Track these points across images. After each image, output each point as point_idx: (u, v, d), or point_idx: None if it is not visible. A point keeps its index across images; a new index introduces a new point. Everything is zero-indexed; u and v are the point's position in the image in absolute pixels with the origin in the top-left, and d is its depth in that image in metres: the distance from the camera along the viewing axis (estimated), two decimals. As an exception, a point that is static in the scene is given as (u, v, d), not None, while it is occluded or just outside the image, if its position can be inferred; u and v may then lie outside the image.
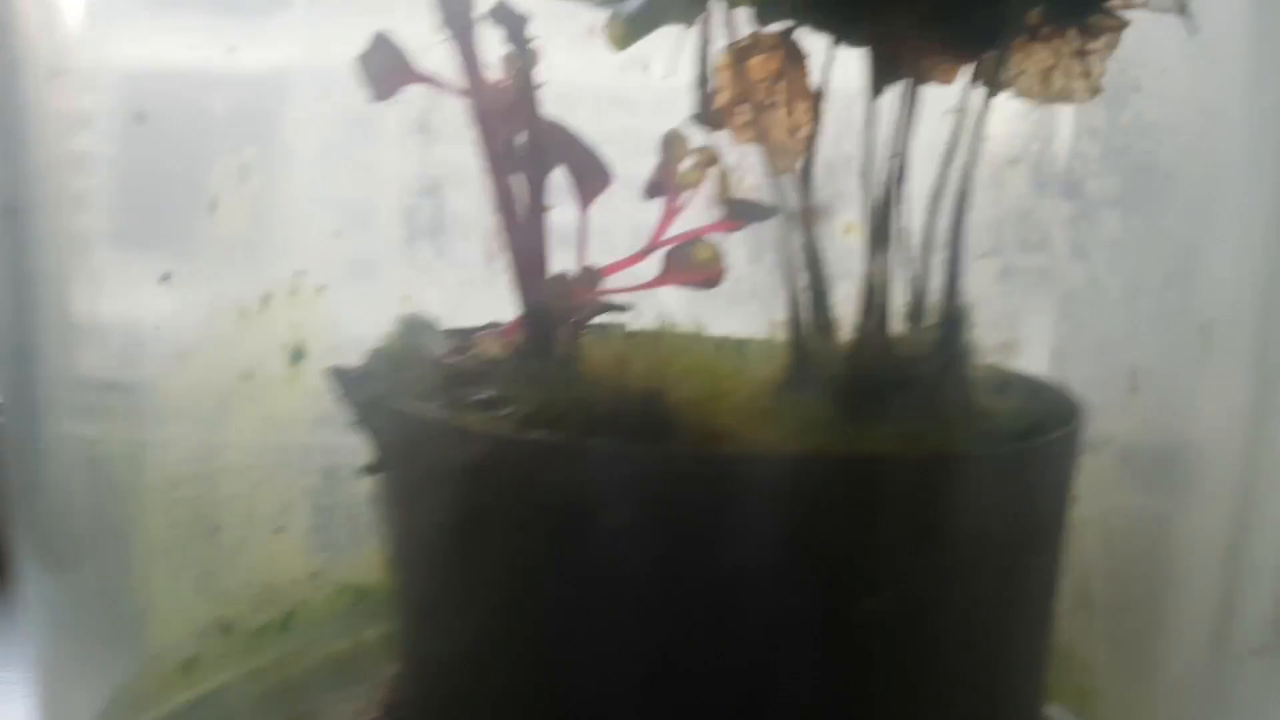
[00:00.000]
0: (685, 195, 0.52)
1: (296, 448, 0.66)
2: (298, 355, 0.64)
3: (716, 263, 0.53)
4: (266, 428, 0.63)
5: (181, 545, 0.60)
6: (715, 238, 0.53)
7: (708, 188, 0.52)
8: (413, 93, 0.47)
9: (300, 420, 0.63)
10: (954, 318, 0.45)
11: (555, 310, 0.46)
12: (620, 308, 0.49)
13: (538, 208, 0.46)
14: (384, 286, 0.68)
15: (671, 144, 0.52)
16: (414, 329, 0.49)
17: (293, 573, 0.66)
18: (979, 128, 0.43)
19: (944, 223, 0.44)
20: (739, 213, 0.51)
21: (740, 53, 0.49)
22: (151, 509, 0.59)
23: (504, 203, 0.47)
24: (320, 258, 0.64)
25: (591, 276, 0.47)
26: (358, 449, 0.50)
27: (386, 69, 0.47)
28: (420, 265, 0.67)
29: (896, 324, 0.46)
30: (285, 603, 0.65)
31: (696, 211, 0.54)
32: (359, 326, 0.60)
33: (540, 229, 0.46)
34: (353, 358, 0.54)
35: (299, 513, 0.66)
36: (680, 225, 0.53)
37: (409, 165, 0.65)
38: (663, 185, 0.52)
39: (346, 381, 0.47)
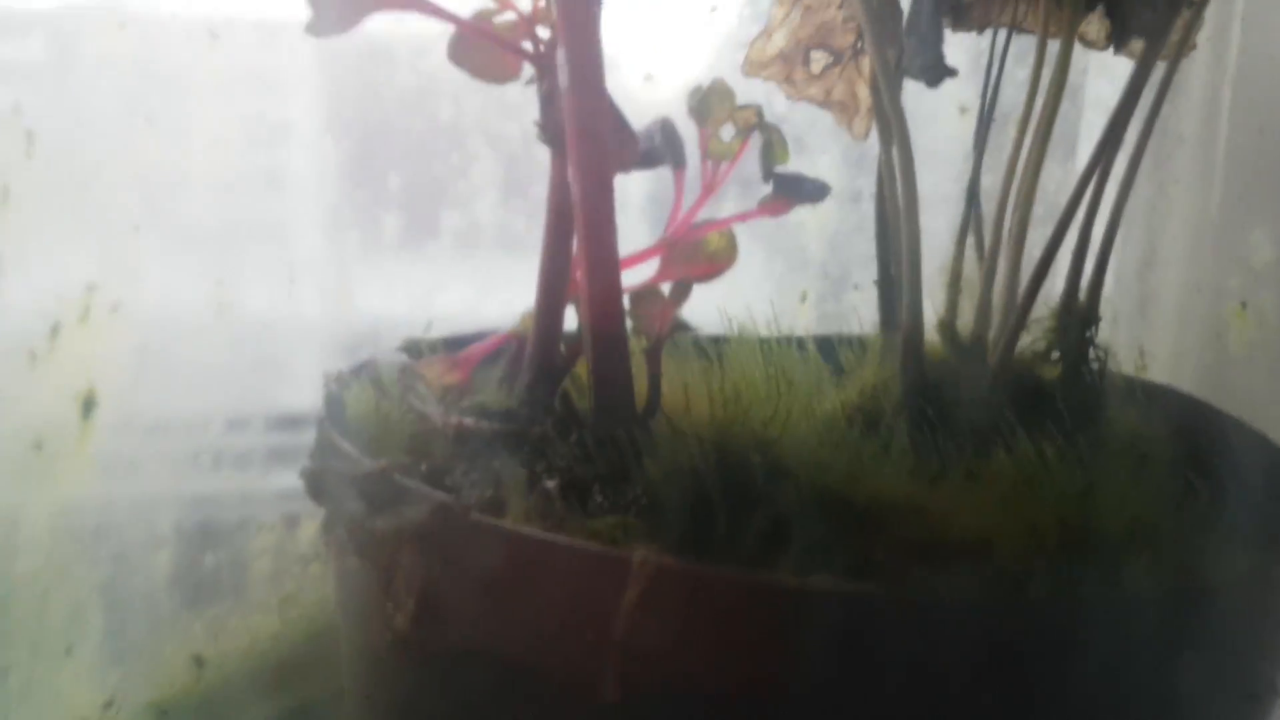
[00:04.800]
0: (722, 168, 0.41)
1: (88, 532, 0.47)
2: (89, 406, 0.45)
3: (730, 253, 0.42)
4: (59, 514, 0.44)
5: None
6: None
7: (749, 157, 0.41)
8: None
9: (92, 495, 0.45)
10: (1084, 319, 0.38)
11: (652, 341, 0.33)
12: (686, 327, 0.37)
13: (603, 199, 0.33)
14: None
15: (711, 101, 0.39)
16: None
17: (83, 709, 0.48)
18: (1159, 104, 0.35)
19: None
20: (790, 191, 0.41)
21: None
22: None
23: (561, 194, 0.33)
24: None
25: (681, 291, 0.34)
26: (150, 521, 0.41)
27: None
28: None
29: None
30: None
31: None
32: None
33: (611, 228, 0.33)
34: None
35: (91, 619, 0.48)
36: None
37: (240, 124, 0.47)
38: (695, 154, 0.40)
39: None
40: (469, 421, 0.32)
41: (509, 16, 0.35)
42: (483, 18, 0.36)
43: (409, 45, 0.53)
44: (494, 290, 0.55)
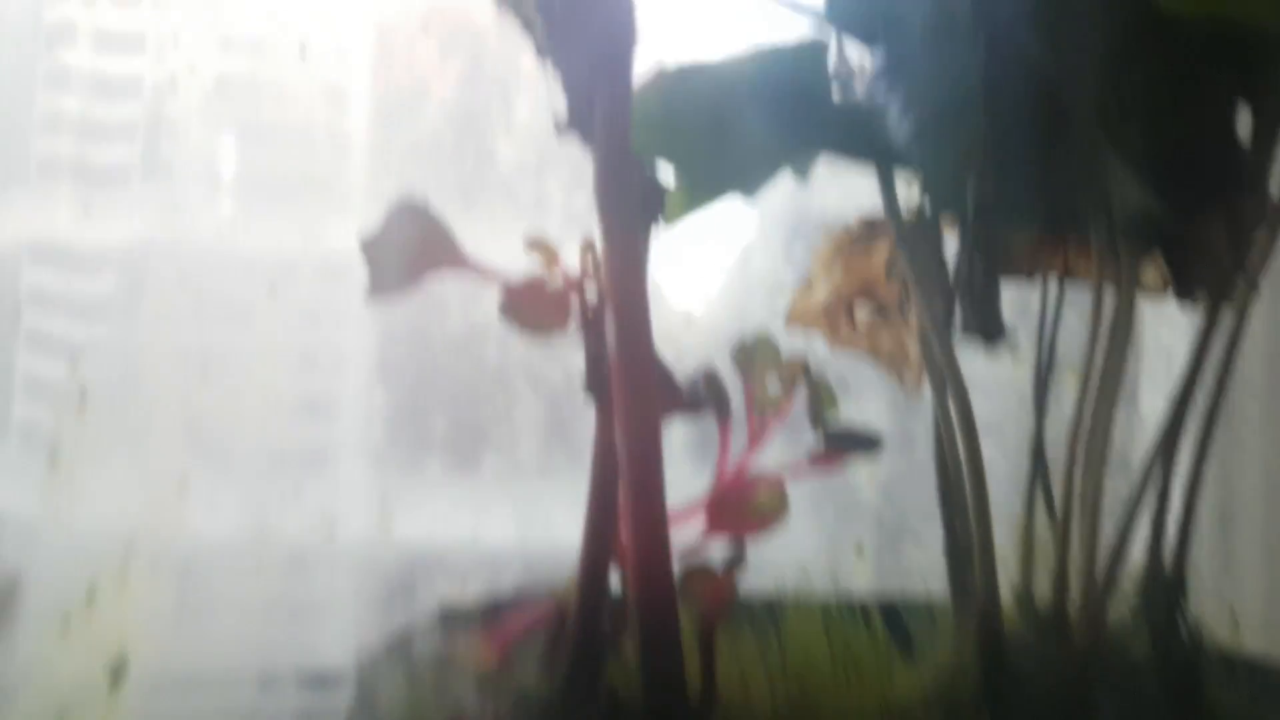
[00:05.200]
0: (768, 419, 0.39)
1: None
2: (118, 674, 0.42)
3: (780, 510, 0.40)
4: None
5: None
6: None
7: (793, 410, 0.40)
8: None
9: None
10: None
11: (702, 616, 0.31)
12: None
13: (652, 457, 0.31)
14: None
15: (755, 353, 0.39)
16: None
17: None
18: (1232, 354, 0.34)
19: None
20: (841, 445, 0.39)
21: (858, 238, 0.39)
22: None
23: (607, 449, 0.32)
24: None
25: (735, 562, 0.33)
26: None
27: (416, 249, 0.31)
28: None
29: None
30: None
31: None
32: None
33: (660, 490, 0.31)
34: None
35: None
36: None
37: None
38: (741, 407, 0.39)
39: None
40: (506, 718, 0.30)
41: (557, 276, 0.36)
42: (532, 281, 0.36)
43: (460, 293, 0.55)
44: (533, 525, 0.54)
